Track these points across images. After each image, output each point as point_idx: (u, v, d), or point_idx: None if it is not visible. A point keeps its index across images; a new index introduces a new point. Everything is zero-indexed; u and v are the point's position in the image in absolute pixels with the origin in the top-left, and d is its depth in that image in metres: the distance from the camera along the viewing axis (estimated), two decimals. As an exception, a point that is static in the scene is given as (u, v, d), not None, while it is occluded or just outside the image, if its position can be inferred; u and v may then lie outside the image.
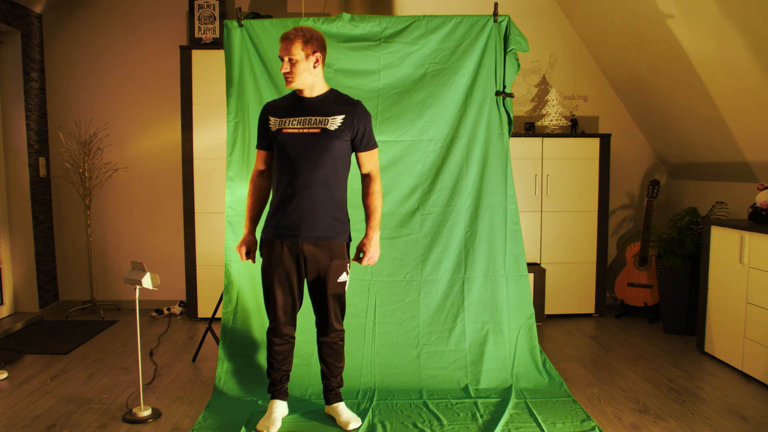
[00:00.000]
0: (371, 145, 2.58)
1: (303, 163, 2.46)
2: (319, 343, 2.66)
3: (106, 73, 4.68)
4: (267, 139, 2.59)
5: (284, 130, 2.48)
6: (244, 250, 2.63)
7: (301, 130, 2.47)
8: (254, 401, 2.88)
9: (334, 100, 2.54)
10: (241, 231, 3.18)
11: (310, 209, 2.47)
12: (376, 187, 2.60)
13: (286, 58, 2.43)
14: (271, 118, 2.54)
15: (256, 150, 2.66)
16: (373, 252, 2.56)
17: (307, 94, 2.52)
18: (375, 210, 2.59)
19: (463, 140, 3.26)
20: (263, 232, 2.58)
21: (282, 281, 2.53)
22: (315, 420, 2.70)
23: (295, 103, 2.55)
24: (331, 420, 2.69)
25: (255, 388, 3.00)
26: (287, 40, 2.43)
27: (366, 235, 2.58)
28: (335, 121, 2.49)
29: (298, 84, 2.47)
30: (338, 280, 2.55)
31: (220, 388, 2.99)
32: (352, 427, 2.60)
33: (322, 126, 2.48)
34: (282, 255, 2.51)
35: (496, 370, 3.13)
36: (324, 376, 2.70)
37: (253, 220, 2.66)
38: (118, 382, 3.20)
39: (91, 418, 2.73)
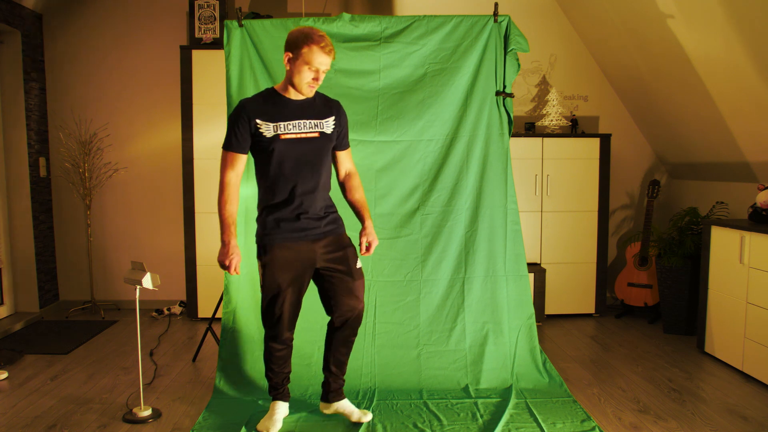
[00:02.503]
0: (348, 143, 2.64)
1: (305, 168, 2.43)
2: (343, 342, 2.61)
3: (107, 73, 4.68)
4: (248, 143, 2.43)
5: (282, 137, 2.40)
6: (237, 261, 2.40)
7: (298, 135, 2.42)
8: (254, 401, 2.88)
9: (321, 102, 2.54)
10: (241, 231, 3.16)
11: (315, 211, 2.48)
12: (359, 181, 2.68)
13: (321, 69, 2.37)
14: (261, 123, 2.39)
15: (231, 153, 2.43)
16: (374, 239, 2.61)
17: (297, 96, 2.47)
18: (365, 201, 2.65)
19: (463, 140, 3.26)
20: (267, 239, 2.46)
21: (294, 288, 2.47)
22: (315, 420, 2.70)
23: (282, 106, 2.44)
24: (331, 419, 2.68)
25: (255, 388, 3.00)
26: (328, 52, 2.35)
27: (365, 227, 2.60)
28: (329, 124, 2.50)
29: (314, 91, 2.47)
30: (357, 266, 2.58)
31: (220, 388, 2.99)
32: (367, 419, 2.64)
33: (320, 130, 2.47)
34: (294, 259, 2.45)
35: (496, 370, 3.13)
36: (335, 376, 2.65)
37: (234, 228, 2.44)
38: (118, 382, 3.20)
39: (91, 418, 2.73)
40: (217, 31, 4.46)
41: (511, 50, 3.23)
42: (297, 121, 2.44)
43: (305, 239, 2.46)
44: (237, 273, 2.43)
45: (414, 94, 3.23)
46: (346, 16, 3.18)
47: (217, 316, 3.69)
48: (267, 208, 2.48)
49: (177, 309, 4.62)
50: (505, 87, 3.25)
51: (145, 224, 4.78)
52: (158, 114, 4.71)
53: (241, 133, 2.41)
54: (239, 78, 3.19)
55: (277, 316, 2.48)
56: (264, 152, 2.43)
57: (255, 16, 4.22)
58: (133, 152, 4.73)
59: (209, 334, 3.78)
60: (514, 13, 4.43)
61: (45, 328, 4.20)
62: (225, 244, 2.40)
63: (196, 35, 4.46)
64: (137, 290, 2.76)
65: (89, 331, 4.11)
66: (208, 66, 4.26)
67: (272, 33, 3.16)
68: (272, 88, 2.51)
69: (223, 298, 3.19)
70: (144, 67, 4.68)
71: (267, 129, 2.40)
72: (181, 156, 4.48)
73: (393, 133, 3.22)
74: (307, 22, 3.16)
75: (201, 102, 4.30)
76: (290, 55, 2.38)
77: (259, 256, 2.49)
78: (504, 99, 3.25)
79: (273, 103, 2.45)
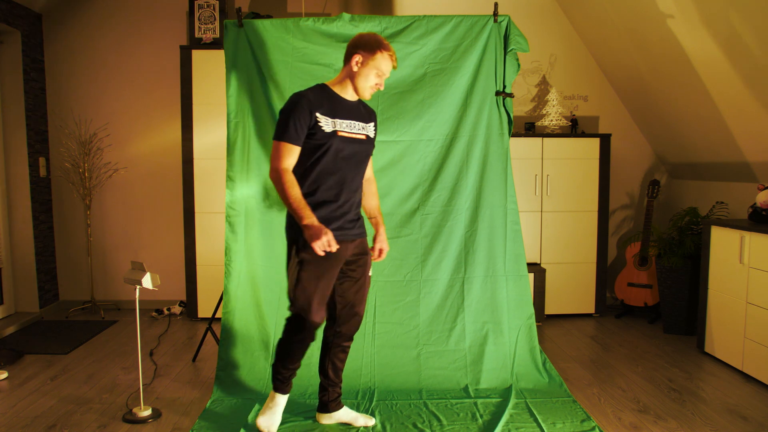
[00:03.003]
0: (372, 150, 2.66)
1: (353, 167, 2.46)
2: (340, 347, 2.61)
3: (107, 72, 4.68)
4: (304, 135, 2.36)
5: (339, 133, 2.39)
6: (331, 234, 2.29)
7: (351, 135, 2.43)
8: (254, 401, 2.88)
9: (363, 107, 2.56)
10: (241, 231, 3.18)
11: (355, 211, 2.51)
12: (376, 188, 2.73)
13: (385, 76, 2.45)
14: (321, 116, 2.35)
15: (287, 145, 2.33)
16: (387, 245, 2.65)
17: (351, 96, 2.48)
18: (379, 208, 2.71)
19: (463, 140, 3.26)
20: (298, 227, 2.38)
21: (329, 289, 2.45)
22: (315, 420, 2.70)
23: (337, 103, 2.43)
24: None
25: (255, 388, 3.00)
26: (394, 60, 2.43)
27: (380, 233, 2.64)
28: (371, 129, 2.54)
29: None
30: (369, 273, 2.61)
31: (220, 389, 2.99)
32: (371, 423, 2.63)
33: (366, 133, 2.50)
34: (333, 259, 2.41)
35: (496, 370, 3.13)
36: (333, 383, 2.64)
37: (309, 208, 2.33)
38: (118, 382, 3.20)
39: (91, 418, 2.73)
40: (217, 31, 4.46)
41: (511, 50, 3.23)
42: (350, 121, 2.44)
43: (344, 239, 2.44)
44: (338, 246, 2.32)
45: (414, 94, 3.23)
46: (346, 16, 3.18)
47: (217, 316, 3.69)
48: (310, 201, 2.39)
49: (177, 309, 4.62)
50: (505, 87, 3.25)
51: (145, 224, 4.78)
52: (158, 114, 4.71)
53: (300, 125, 2.33)
54: (239, 78, 3.19)
55: (313, 318, 2.42)
56: (317, 147, 2.37)
57: (255, 16, 4.22)
58: (133, 152, 4.73)
59: (209, 334, 3.78)
60: (514, 13, 4.43)
61: (45, 328, 4.20)
62: (310, 226, 2.27)
63: (196, 35, 4.46)
64: (137, 290, 2.76)
65: (89, 331, 4.11)
66: (208, 66, 4.26)
67: (272, 33, 3.16)
68: (324, 84, 2.48)
69: (223, 298, 3.19)
70: (144, 67, 4.68)
71: (326, 124, 2.38)
72: (181, 156, 4.48)
73: (393, 133, 3.22)
74: (307, 22, 3.16)
75: (201, 102, 4.30)
76: (360, 57, 2.40)
77: (298, 252, 2.39)
78: (504, 99, 3.25)
79: (328, 99, 2.43)
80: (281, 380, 2.57)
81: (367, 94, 2.46)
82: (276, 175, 2.34)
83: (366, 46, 2.40)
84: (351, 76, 2.44)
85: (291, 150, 2.35)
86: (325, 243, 2.25)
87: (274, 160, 2.35)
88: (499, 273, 3.24)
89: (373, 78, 2.42)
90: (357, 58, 2.40)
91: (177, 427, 2.67)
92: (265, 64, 3.18)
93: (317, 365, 3.02)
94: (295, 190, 2.32)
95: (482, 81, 3.24)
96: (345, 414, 2.66)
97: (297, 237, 2.39)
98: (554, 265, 4.49)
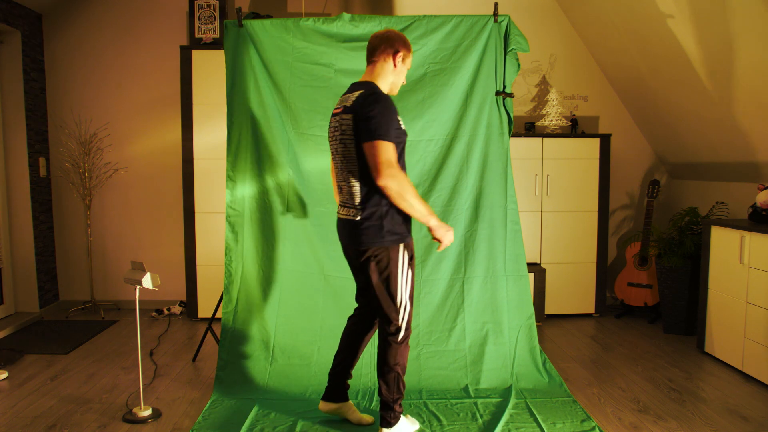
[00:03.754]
0: None
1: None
2: (367, 338, 2.62)
3: (107, 72, 4.68)
4: None
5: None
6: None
7: None
8: (253, 401, 2.88)
9: None
10: (242, 231, 3.18)
11: None
12: None
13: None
14: (399, 118, 2.32)
15: (391, 143, 2.22)
16: None
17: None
18: None
19: (463, 140, 3.26)
20: (402, 229, 2.33)
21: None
22: (316, 420, 2.70)
23: None
24: (332, 420, 2.68)
25: (255, 388, 3.00)
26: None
27: None
28: None
29: None
30: None
31: (220, 388, 2.99)
32: (371, 421, 2.62)
33: None
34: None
35: (496, 370, 3.13)
36: (349, 374, 2.63)
37: None
38: (118, 382, 3.20)
39: (91, 418, 2.73)
40: (217, 31, 4.46)
41: (511, 50, 3.23)
42: None
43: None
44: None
45: (414, 94, 3.23)
46: (346, 16, 3.18)
47: (217, 316, 3.69)
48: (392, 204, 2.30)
49: (177, 309, 4.62)
50: (505, 87, 3.25)
51: (145, 224, 4.78)
52: (158, 114, 4.71)
53: (395, 123, 2.25)
54: (239, 78, 3.19)
55: (411, 316, 2.41)
56: (398, 146, 2.27)
57: (255, 16, 4.22)
58: (133, 152, 4.73)
59: (209, 334, 3.78)
60: (514, 13, 4.44)
61: (45, 328, 4.20)
62: (440, 223, 2.29)
63: (196, 35, 4.46)
64: (137, 290, 2.76)
65: (89, 331, 4.11)
66: (208, 66, 4.26)
67: (272, 33, 3.17)
68: (370, 81, 2.41)
69: (223, 298, 3.19)
70: (144, 67, 4.68)
71: (403, 123, 2.35)
72: (181, 156, 4.48)
73: (393, 133, 3.22)
74: (307, 22, 3.17)
75: (201, 102, 4.30)
76: (403, 54, 2.39)
77: (402, 252, 2.32)
78: (504, 99, 3.25)
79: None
80: (401, 401, 2.47)
81: (396, 91, 2.47)
82: (400, 174, 2.19)
83: (405, 43, 2.40)
84: (384, 73, 2.39)
85: (394, 149, 2.23)
86: (451, 236, 2.30)
87: (389, 161, 2.18)
88: (499, 273, 3.25)
89: (404, 75, 2.44)
90: (401, 55, 2.38)
91: (177, 427, 2.67)
92: (266, 64, 3.18)
93: (317, 365, 3.02)
94: (416, 189, 2.25)
95: (482, 81, 3.24)
96: (351, 407, 2.66)
97: (400, 239, 2.29)
98: (554, 265, 4.49)
